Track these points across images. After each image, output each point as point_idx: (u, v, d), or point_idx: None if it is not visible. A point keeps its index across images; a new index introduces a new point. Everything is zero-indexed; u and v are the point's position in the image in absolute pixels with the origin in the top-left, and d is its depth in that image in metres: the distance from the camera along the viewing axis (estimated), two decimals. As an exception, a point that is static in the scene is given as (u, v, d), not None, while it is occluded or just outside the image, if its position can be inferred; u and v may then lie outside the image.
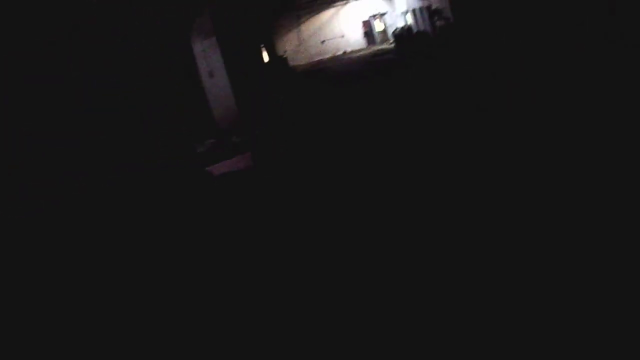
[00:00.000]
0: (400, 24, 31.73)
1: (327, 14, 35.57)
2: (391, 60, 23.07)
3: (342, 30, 36.00)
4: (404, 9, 30.81)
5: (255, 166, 8.53)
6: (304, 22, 35.37)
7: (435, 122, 9.06)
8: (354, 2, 35.11)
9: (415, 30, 28.70)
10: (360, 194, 6.37)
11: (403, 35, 27.87)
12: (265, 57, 24.36)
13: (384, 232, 5.04)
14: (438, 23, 24.68)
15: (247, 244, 5.38)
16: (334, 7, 35.10)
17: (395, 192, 6.11)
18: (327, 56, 35.46)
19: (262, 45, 21.74)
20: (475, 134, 7.69)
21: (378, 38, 36.23)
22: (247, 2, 16.16)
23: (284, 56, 29.34)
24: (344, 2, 34.74)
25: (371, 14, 35.50)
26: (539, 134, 6.88)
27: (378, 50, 31.29)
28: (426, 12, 26.60)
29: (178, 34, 8.11)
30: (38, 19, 5.44)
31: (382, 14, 35.23)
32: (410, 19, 30.18)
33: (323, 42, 35.96)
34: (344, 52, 35.56)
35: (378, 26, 36.13)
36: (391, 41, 32.70)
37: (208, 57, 12.22)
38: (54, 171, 5.72)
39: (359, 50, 34.59)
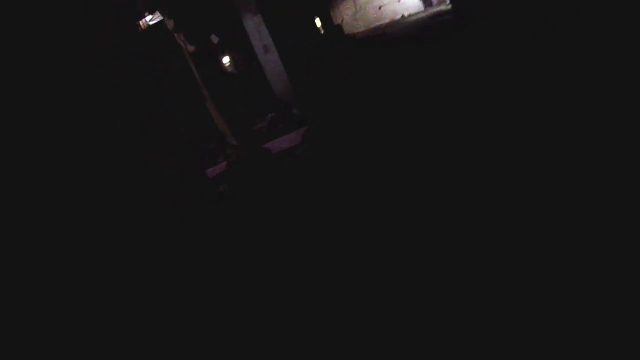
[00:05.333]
0: (458, -17, 30.74)
1: (382, -21, 34.99)
2: (449, 22, 22.54)
3: (399, -6, 35.37)
4: (461, -33, 29.81)
5: (303, 142, 8.49)
6: (359, -12, 34.95)
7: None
8: (410, -35, 34.30)
9: (473, -12, 27.79)
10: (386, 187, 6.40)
11: (461, -6, 27.07)
12: (321, 29, 24.30)
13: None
14: (496, -21, 23.83)
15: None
16: (389, -29, 34.45)
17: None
18: (385, 22, 34.96)
19: (317, 16, 21.71)
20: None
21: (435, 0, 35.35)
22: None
23: (340, 25, 29.15)
24: (399, -35, 34.01)
25: (428, -24, 34.61)
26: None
27: (436, 12, 30.56)
28: (484, -31, 25.70)
29: (226, 10, 8.23)
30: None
31: (439, -25, 34.27)
32: (468, -22, 29.20)
33: (380, 7, 35.43)
34: (402, 16, 34.93)
35: (436, -13, 35.20)
36: (448, 2, 31.80)
37: (261, 32, 12.38)
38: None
39: (417, 14, 33.90)
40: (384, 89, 11.76)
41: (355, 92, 12.47)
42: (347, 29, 33.85)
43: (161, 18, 9.65)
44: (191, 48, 9.23)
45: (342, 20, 32.72)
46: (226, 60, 13.65)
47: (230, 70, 13.59)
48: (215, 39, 11.76)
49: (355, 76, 14.88)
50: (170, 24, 8.87)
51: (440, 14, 27.91)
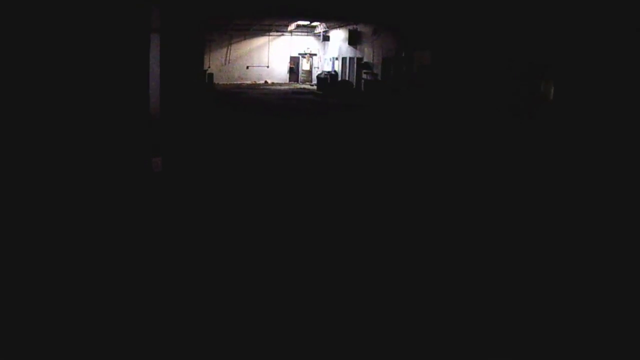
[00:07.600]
0: (327, 68, 32.38)
1: (258, 41, 35.69)
2: (310, 101, 23.38)
3: (269, 60, 36.21)
4: (335, 55, 31.54)
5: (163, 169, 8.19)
6: (235, 42, 35.25)
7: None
8: (288, 36, 35.52)
9: (340, 78, 29.43)
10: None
11: (327, 80, 28.45)
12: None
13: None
14: (365, 76, 25.46)
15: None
16: (267, 36, 35.30)
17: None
18: (248, 82, 35.41)
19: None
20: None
21: (302, 77, 36.75)
22: (193, 9, 15.92)
23: (209, 72, 29.03)
24: (279, 33, 35.08)
25: (301, 52, 36.02)
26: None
27: (300, 88, 31.67)
28: (356, 64, 27.40)
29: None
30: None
31: (312, 55, 35.84)
32: (338, 66, 30.91)
33: (248, 67, 35.96)
34: (266, 82, 35.73)
35: (305, 65, 36.70)
36: (313, 82, 33.25)
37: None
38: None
39: (281, 84, 34.89)
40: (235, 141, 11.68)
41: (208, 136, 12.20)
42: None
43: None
44: None
45: (209, 67, 32.50)
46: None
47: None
48: None
49: (211, 123, 14.63)
50: None
51: (304, 92, 28.92)
